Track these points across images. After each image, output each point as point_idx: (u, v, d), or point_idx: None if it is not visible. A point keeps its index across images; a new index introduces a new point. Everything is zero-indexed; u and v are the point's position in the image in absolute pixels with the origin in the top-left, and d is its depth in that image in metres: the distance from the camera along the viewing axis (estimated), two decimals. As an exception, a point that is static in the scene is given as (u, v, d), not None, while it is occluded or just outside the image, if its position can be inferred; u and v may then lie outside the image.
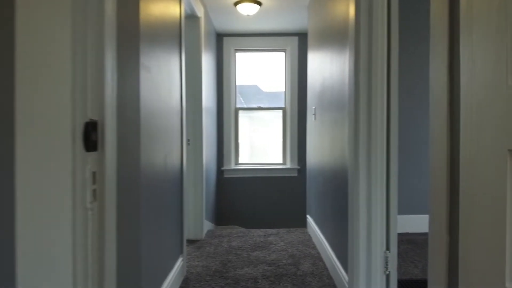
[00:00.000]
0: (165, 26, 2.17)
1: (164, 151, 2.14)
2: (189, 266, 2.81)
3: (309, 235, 3.58)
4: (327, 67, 2.88)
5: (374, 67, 1.99)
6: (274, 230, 3.79)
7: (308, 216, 3.77)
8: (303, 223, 4.73)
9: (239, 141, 5.20)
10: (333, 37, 2.66)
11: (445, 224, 1.09)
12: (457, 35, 1.03)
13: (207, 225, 3.99)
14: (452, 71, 1.07)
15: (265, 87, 5.31)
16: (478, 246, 0.89)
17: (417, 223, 3.65)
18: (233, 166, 4.97)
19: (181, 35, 2.60)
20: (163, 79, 2.11)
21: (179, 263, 2.50)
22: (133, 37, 1.58)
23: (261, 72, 5.23)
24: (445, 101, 1.09)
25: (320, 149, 3.13)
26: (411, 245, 3.22)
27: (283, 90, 5.10)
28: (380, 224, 2.05)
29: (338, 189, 2.52)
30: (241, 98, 5.31)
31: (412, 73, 3.62)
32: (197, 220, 3.51)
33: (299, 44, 4.93)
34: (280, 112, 5.11)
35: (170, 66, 2.30)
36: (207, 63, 4.07)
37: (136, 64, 1.62)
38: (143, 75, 1.71)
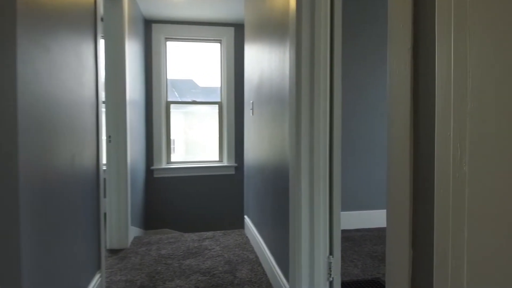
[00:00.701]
0: (73, 2, 1.78)
1: (72, 149, 1.76)
2: (109, 282, 2.43)
3: (247, 237, 3.37)
4: (265, 59, 2.67)
5: (317, 59, 1.82)
6: (209, 234, 3.51)
7: (246, 216, 3.56)
8: (241, 224, 4.51)
9: (171, 138, 4.83)
10: (272, 28, 2.45)
11: (407, 237, 0.91)
12: (425, 13, 0.84)
13: (134, 232, 3.59)
14: (416, 58, 0.89)
15: (202, 82, 4.99)
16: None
17: (353, 219, 3.62)
18: (164, 165, 4.58)
19: (96, 16, 2.21)
20: (68, 62, 1.72)
21: (95, 280, 2.12)
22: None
23: (196, 65, 4.90)
24: (408, 96, 0.91)
25: (259, 145, 2.92)
26: (349, 243, 3.16)
27: (220, 84, 4.82)
28: (323, 227, 1.89)
29: (278, 188, 2.32)
30: (176, 93, 4.94)
31: (356, 66, 3.57)
32: (121, 227, 3.11)
33: (236, 35, 4.69)
34: (216, 107, 4.83)
35: (80, 49, 1.91)
36: (132, 51, 3.65)
37: (12, 38, 1.24)
38: (32, 53, 1.34)
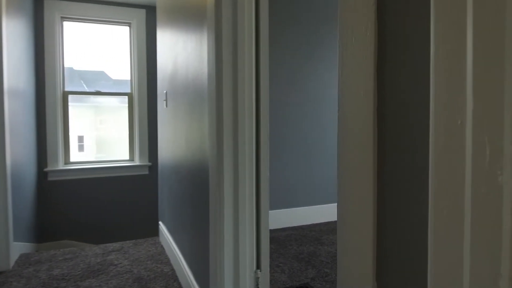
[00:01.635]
0: None
1: None
2: (-25, 322, 1.86)
3: (162, 247, 2.97)
4: (180, 42, 2.31)
5: (241, 46, 1.53)
6: (117, 245, 3.03)
7: (160, 223, 3.15)
8: (156, 232, 4.07)
9: (80, 134, 4.17)
10: (188, 9, 2.10)
11: (370, 265, 0.67)
12: None
13: (20, 248, 2.94)
14: (383, 16, 0.64)
15: (115, 74, 4.38)
16: None
17: (278, 218, 3.45)
18: (61, 166, 3.91)
19: None
20: None
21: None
22: None
23: (107, 54, 4.28)
24: (370, 72, 0.66)
25: (174, 141, 2.55)
26: (274, 245, 2.96)
27: (130, 73, 4.28)
28: (249, 237, 1.62)
29: (196, 190, 1.99)
30: (85, 86, 4.27)
31: (286, 57, 3.37)
32: (0, 244, 2.50)
33: (148, 18, 4.19)
34: (125, 99, 4.28)
35: None
36: (14, 30, 2.97)
37: None
38: None
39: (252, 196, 1.61)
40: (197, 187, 1.97)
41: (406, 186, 0.59)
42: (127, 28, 4.26)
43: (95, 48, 4.24)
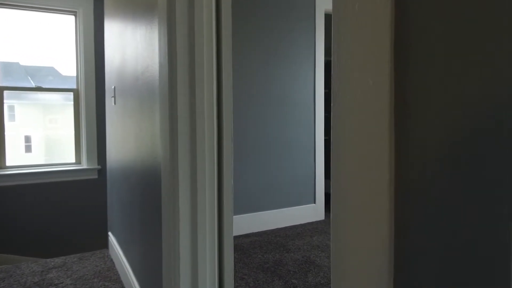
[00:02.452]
0: None
1: None
2: None
3: (112, 261, 2.66)
4: (129, 32, 2.03)
5: (199, 31, 1.30)
6: (59, 260, 2.68)
7: (110, 233, 2.83)
8: (105, 243, 3.71)
9: (27, 134, 3.72)
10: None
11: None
12: None
13: None
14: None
15: (65, 70, 3.95)
16: None
17: (240, 224, 3.24)
18: (-6, 171, 3.45)
19: None
20: None
21: None
22: None
23: (55, 48, 3.84)
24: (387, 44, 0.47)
25: (123, 143, 2.26)
26: (237, 253, 2.75)
27: (76, 66, 3.87)
28: (210, 253, 1.39)
29: (147, 198, 1.74)
30: (33, 82, 3.80)
31: (249, 53, 3.15)
32: None
33: (96, 6, 3.82)
34: (70, 95, 3.87)
35: None
36: None
37: None
38: None
39: (213, 205, 1.39)
40: (148, 194, 1.72)
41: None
42: (73, 17, 3.85)
43: (41, 41, 3.79)
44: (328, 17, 4.16)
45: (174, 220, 1.36)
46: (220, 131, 1.38)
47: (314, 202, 3.70)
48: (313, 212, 3.68)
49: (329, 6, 3.68)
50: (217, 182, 1.40)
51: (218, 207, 1.42)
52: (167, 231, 1.41)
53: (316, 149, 3.68)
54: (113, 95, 2.49)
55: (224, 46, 1.34)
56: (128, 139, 2.10)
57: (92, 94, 3.79)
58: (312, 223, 3.60)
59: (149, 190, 1.70)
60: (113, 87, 2.49)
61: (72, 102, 3.85)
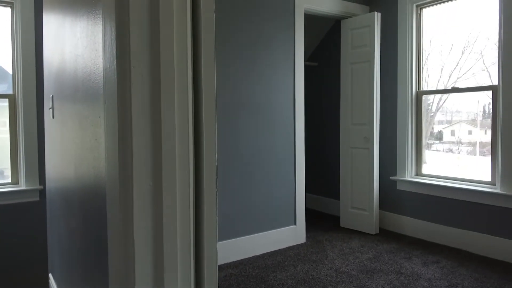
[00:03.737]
0: None
1: None
2: None
3: (51, 315, 2.11)
4: (67, 25, 1.53)
5: (165, 26, 0.86)
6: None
7: (50, 275, 2.28)
8: (46, 285, 3.10)
9: None
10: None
11: None
12: None
13: None
14: None
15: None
16: None
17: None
18: None
19: None
20: None
21: None
22: None
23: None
24: None
25: (62, 161, 1.74)
26: None
27: (12, 68, 3.24)
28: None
29: (92, 230, 1.25)
30: None
31: (229, 51, 2.70)
32: None
33: (37, -2, 3.21)
34: (5, 102, 3.23)
35: None
36: None
37: None
38: None
39: (188, 249, 0.94)
40: (93, 225, 1.23)
41: None
42: (9, 9, 3.22)
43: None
44: (308, 17, 3.80)
45: (126, 262, 0.90)
46: (199, 147, 0.93)
47: (295, 223, 3.31)
48: (294, 234, 3.29)
49: (309, 5, 3.31)
50: (193, 210, 0.96)
51: (195, 250, 0.99)
52: (116, 281, 0.95)
53: (296, 160, 3.29)
54: (51, 106, 1.95)
55: (205, 39, 0.90)
56: (68, 156, 1.59)
57: (33, 100, 3.18)
58: (293, 247, 3.21)
59: (94, 220, 1.22)
60: (51, 96, 1.96)
61: (8, 110, 3.21)
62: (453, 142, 3.39)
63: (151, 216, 0.90)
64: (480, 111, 3.05)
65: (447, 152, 3.33)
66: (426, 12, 3.40)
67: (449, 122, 3.36)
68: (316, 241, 3.34)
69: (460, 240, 3.06)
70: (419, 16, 3.41)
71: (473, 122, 3.14)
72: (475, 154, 3.14)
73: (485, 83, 3.01)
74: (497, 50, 2.82)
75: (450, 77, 3.29)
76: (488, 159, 2.95)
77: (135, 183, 0.84)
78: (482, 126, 3.06)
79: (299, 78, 3.28)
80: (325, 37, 4.35)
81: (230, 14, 2.87)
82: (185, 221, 0.96)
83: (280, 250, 3.15)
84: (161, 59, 0.85)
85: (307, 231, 3.60)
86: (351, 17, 3.64)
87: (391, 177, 3.58)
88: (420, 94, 3.43)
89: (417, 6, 3.39)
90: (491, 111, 2.92)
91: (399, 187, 3.54)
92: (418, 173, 3.47)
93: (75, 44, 1.39)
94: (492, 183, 2.92)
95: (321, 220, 4.02)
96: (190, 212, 0.96)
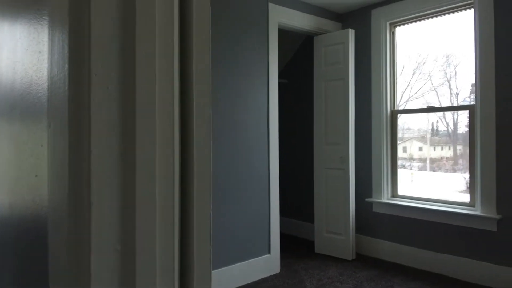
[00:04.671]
0: None
1: None
2: None
3: None
4: (6, 23, 1.20)
5: (141, 16, 0.59)
6: None
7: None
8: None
9: None
10: None
11: None
12: None
13: None
14: None
15: None
16: None
17: None
18: None
19: None
20: None
21: None
22: None
23: None
24: None
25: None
26: None
27: None
28: None
29: (26, 273, 0.91)
30: None
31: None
32: None
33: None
34: None
35: None
36: None
37: None
38: None
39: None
40: (27, 264, 0.90)
41: None
42: None
43: None
44: (282, 32, 3.64)
45: None
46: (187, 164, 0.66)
47: (269, 252, 3.05)
48: (268, 264, 3.02)
49: (282, 19, 3.15)
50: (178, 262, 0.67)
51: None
52: None
53: (270, 183, 3.06)
54: (-18, 125, 1.57)
55: (197, 32, 0.64)
56: (3, 181, 1.24)
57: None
58: (267, 279, 2.93)
59: (30, 259, 0.88)
60: (-17, 112, 1.58)
61: None
62: (405, 158, 3.46)
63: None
64: (429, 129, 3.07)
65: (400, 168, 3.34)
66: (399, 31, 3.36)
67: (401, 139, 3.38)
68: (291, 271, 3.09)
69: (441, 264, 2.94)
70: (392, 34, 3.37)
71: (423, 139, 3.14)
72: (426, 170, 3.20)
73: (433, 103, 3.03)
74: (474, 71, 2.80)
75: (402, 96, 3.35)
76: (439, 174, 3.02)
77: (94, 256, 0.55)
78: (431, 143, 3.12)
79: (273, 95, 3.08)
80: (296, 54, 4.22)
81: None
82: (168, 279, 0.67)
83: (253, 283, 2.86)
84: (138, 63, 0.58)
85: (281, 259, 3.34)
86: (324, 33, 3.54)
87: (366, 199, 3.44)
88: (394, 113, 3.36)
89: (390, 24, 3.35)
90: (438, 129, 3.02)
91: (375, 209, 3.41)
92: (394, 194, 3.37)
93: (13, 48, 1.07)
94: (471, 204, 2.85)
95: (295, 246, 3.79)
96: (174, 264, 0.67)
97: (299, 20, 3.28)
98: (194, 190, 0.65)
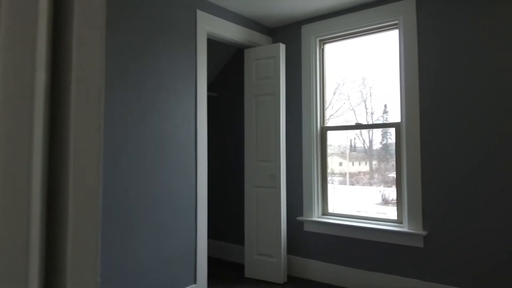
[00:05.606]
0: None
1: None
2: None
3: None
4: None
5: None
6: None
7: None
8: None
9: None
10: None
11: None
12: None
13: None
14: None
15: None
16: None
17: None
18: None
19: None
20: None
21: None
22: None
23: None
24: None
25: None
26: None
27: None
28: None
29: None
30: None
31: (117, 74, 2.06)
32: None
33: None
34: None
35: None
36: None
37: None
38: None
39: None
40: None
41: None
42: None
43: None
44: (211, 42, 3.44)
45: None
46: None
47: (195, 282, 2.75)
48: (194, 295, 2.71)
49: (211, 28, 2.96)
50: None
51: None
52: None
53: (198, 204, 2.78)
54: None
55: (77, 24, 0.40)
56: None
57: None
58: (193, 312, 2.62)
59: None
60: None
61: None
62: (328, 173, 3.56)
63: None
64: (348, 145, 3.17)
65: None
66: (328, 48, 3.37)
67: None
68: (220, 300, 2.82)
69: (372, 283, 2.91)
70: (322, 51, 3.37)
71: (343, 154, 3.23)
72: (345, 184, 3.29)
73: (351, 121, 3.14)
74: (399, 91, 2.87)
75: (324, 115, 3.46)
76: (358, 188, 3.14)
77: None
78: (350, 158, 3.26)
79: (201, 110, 2.84)
80: (226, 66, 4.05)
81: (126, 31, 2.31)
82: None
83: (178, 319, 2.53)
84: None
85: (209, 286, 3.05)
86: (255, 46, 3.42)
87: (297, 218, 3.33)
88: (324, 130, 3.33)
89: (320, 41, 3.35)
90: (356, 145, 3.18)
91: (306, 228, 3.31)
92: (325, 212, 3.30)
93: None
94: (399, 221, 2.88)
95: (224, 271, 3.52)
96: None
97: (230, 31, 3.12)
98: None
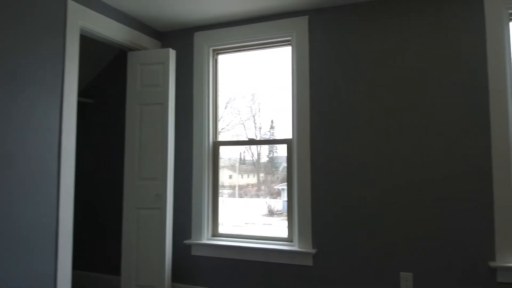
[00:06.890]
0: None
1: None
2: None
3: None
4: None
5: None
6: None
7: None
8: None
9: None
10: None
11: None
12: None
13: None
14: None
15: None
16: None
17: None
18: None
19: None
20: None
21: None
22: None
23: None
24: None
25: None
26: None
27: None
28: None
29: None
30: None
31: None
32: None
33: None
34: None
35: None
36: None
37: None
38: None
39: None
40: None
41: None
42: None
43: None
44: (85, 39, 2.94)
45: None
46: None
47: (54, 330, 2.21)
48: None
49: (86, 23, 2.51)
50: None
51: None
52: None
53: (59, 231, 2.27)
54: None
55: None
56: None
57: None
58: None
59: None
60: None
61: None
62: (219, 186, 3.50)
63: None
64: (238, 158, 3.26)
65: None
66: (221, 59, 3.21)
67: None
68: None
69: (262, 308, 2.77)
70: (215, 61, 3.18)
71: (232, 167, 3.26)
72: (234, 196, 3.28)
73: (241, 136, 3.11)
74: (291, 108, 2.84)
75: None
76: (246, 200, 3.14)
77: None
78: (239, 171, 3.29)
79: (68, 118, 2.35)
80: (106, 69, 3.56)
81: None
82: None
83: None
84: None
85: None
86: (141, 49, 3.05)
87: (185, 241, 3.02)
88: (216, 145, 3.12)
89: (213, 50, 3.16)
90: (245, 159, 3.25)
91: (194, 252, 3.02)
92: (215, 233, 3.07)
93: None
94: (289, 239, 2.81)
95: (94, 308, 2.99)
96: None
97: (109, 29, 2.71)
98: None
